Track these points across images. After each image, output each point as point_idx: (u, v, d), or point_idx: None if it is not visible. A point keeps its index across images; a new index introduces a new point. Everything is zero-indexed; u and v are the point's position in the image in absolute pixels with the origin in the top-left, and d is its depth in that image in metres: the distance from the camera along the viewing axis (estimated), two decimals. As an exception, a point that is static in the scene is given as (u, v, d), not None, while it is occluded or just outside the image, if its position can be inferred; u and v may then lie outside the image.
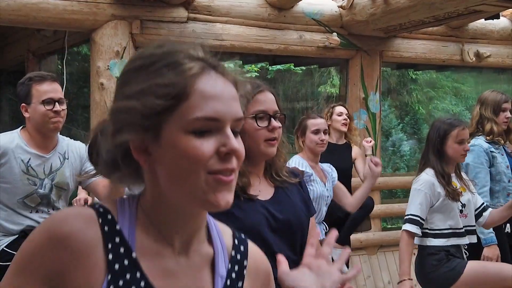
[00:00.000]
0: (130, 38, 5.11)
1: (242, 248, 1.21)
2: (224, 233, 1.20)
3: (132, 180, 1.12)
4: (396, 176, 8.57)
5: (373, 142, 5.35)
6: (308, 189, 3.98)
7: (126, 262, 1.03)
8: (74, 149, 3.45)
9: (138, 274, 1.04)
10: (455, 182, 3.72)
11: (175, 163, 1.02)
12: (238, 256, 1.19)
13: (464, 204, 3.73)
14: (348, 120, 5.24)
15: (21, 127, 3.37)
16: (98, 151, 1.13)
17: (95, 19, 5.02)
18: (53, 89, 3.27)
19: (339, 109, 5.25)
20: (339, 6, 6.01)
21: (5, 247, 3.24)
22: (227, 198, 1.04)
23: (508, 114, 4.42)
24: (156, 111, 1.02)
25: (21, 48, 6.93)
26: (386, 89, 11.84)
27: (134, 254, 1.05)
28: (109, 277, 1.01)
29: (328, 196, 4.17)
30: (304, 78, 12.76)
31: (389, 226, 9.22)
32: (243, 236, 1.24)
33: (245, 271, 1.18)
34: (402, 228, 3.70)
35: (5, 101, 8.45)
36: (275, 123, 2.10)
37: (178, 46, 1.07)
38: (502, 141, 4.41)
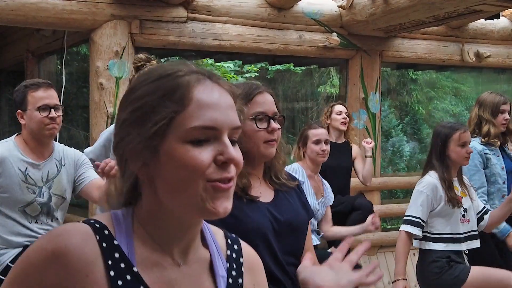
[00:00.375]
0: (129, 38, 5.10)
1: (235, 246, 1.23)
2: (216, 234, 1.21)
3: (130, 195, 1.12)
4: (396, 176, 8.56)
5: (373, 143, 5.35)
6: None
7: (128, 277, 1.03)
8: (69, 155, 3.43)
9: None
10: (457, 186, 3.72)
11: (173, 173, 1.03)
12: (234, 255, 1.21)
13: (466, 209, 3.72)
14: (348, 118, 5.22)
15: (16, 134, 3.35)
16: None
17: (94, 19, 5.01)
18: (49, 96, 3.26)
19: (338, 107, 5.24)
20: (339, 6, 6.00)
21: (10, 262, 3.21)
22: (225, 205, 1.04)
23: (506, 115, 4.41)
24: (156, 133, 1.03)
25: (20, 48, 6.91)
26: (385, 89, 11.82)
27: (135, 268, 1.04)
28: None
29: (318, 210, 4.17)
30: (304, 78, 12.74)
31: (389, 227, 9.20)
32: (233, 235, 1.26)
33: (242, 268, 1.20)
34: (402, 229, 3.68)
35: (4, 101, 8.42)
36: (275, 124, 2.10)
37: (169, 65, 1.09)
38: (498, 143, 4.40)
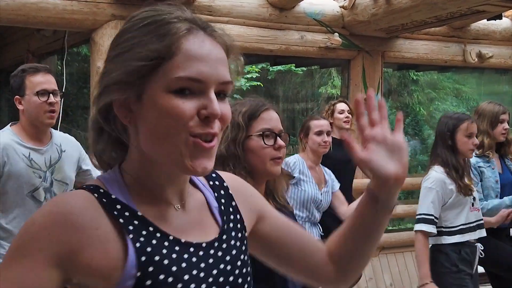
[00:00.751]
0: (130, 38, 5.06)
1: (214, 174, 1.25)
2: None
3: (115, 145, 1.12)
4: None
5: None
6: (299, 190, 3.99)
7: (136, 222, 1.04)
8: (69, 143, 3.39)
9: (151, 228, 1.05)
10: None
11: (155, 122, 1.02)
12: (216, 182, 1.23)
13: (474, 197, 3.70)
14: (350, 116, 5.17)
15: (9, 124, 3.28)
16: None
17: (95, 19, 4.98)
18: (47, 81, 3.20)
19: (341, 106, 5.18)
20: (340, 6, 5.97)
21: None
22: (205, 164, 1.03)
23: (506, 125, 4.39)
24: (139, 72, 1.02)
25: (21, 48, 6.89)
26: (387, 90, 11.80)
27: (139, 213, 1.05)
28: (131, 236, 1.02)
29: (321, 200, 4.12)
30: (305, 79, 12.73)
31: (390, 228, 9.16)
32: None
33: (230, 191, 1.22)
34: (416, 229, 3.60)
35: (4, 101, 8.40)
36: (281, 141, 2.11)
37: (167, 7, 1.08)
38: (491, 155, 4.37)
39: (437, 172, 3.64)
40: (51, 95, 3.18)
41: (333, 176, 4.32)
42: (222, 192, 1.21)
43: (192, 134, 1.01)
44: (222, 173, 1.27)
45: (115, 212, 1.03)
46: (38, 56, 6.72)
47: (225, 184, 1.23)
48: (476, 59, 6.78)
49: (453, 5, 5.08)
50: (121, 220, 1.03)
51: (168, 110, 1.00)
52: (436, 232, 3.60)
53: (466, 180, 3.65)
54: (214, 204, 1.18)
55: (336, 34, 5.98)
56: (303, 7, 5.82)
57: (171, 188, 1.10)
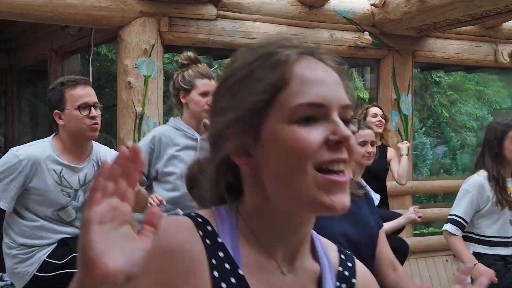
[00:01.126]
0: (158, 36, 4.97)
1: (349, 264, 1.09)
2: (328, 248, 1.08)
3: (232, 194, 1.01)
4: (429, 180, 8.37)
5: (408, 143, 5.28)
6: None
7: (233, 280, 0.93)
8: (108, 157, 3.23)
9: None
10: (510, 187, 3.54)
11: (279, 160, 0.91)
12: (346, 273, 1.07)
13: None
14: (384, 121, 5.08)
15: (53, 134, 3.16)
16: (199, 192, 1.05)
17: (122, 16, 4.88)
18: (88, 93, 3.07)
19: (374, 110, 5.10)
20: (371, 4, 5.84)
21: (47, 257, 3.04)
22: (344, 200, 0.91)
23: None
24: (255, 108, 0.93)
25: (43, 47, 6.80)
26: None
27: (241, 271, 0.94)
28: None
29: None
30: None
31: (419, 232, 8.99)
32: (348, 252, 1.12)
33: None
34: (443, 228, 3.60)
35: (25, 101, 8.34)
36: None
37: (268, 41, 1.00)
38: None
39: (478, 176, 3.53)
40: (92, 108, 3.05)
41: (371, 191, 4.20)
42: (345, 286, 1.06)
43: (320, 167, 0.90)
44: (359, 267, 1.11)
45: (214, 261, 0.93)
46: (62, 54, 6.64)
47: (353, 281, 1.07)
48: (508, 59, 6.62)
49: (490, 2, 4.93)
50: (215, 274, 0.92)
51: (293, 143, 0.90)
52: (459, 235, 3.53)
53: (509, 192, 3.50)
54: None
55: (366, 32, 5.85)
56: (333, 5, 5.70)
57: (283, 245, 0.98)
